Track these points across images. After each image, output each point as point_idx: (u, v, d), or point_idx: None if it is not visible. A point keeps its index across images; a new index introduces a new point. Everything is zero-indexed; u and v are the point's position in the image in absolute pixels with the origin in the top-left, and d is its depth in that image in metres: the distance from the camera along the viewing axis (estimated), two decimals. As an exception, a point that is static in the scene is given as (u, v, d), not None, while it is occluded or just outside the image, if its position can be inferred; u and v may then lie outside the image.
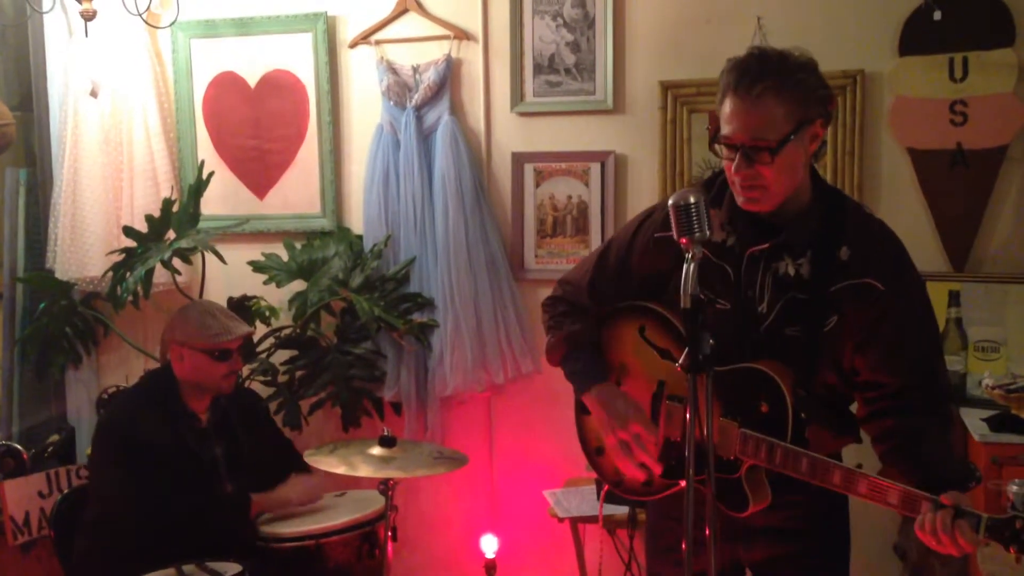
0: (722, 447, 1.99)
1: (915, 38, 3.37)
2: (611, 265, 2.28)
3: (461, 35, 3.81)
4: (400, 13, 3.85)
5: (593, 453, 2.35)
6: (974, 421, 2.99)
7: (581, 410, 2.36)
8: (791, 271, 2.01)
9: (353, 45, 3.93)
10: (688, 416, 1.80)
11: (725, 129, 1.96)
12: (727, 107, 1.95)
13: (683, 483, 2.01)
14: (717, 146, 2.00)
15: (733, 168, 1.96)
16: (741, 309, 2.05)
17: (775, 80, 1.90)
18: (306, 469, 3.23)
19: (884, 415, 1.99)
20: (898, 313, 1.96)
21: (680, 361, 1.83)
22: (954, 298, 3.32)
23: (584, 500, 3.46)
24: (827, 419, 2.03)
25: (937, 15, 3.32)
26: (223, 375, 3.10)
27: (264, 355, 3.81)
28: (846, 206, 2.08)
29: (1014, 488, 2.60)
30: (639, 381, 2.23)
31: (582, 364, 2.29)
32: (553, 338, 2.35)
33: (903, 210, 3.42)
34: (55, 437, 3.99)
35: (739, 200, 2.01)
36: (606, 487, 2.84)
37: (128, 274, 3.53)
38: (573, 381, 2.32)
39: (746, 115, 1.92)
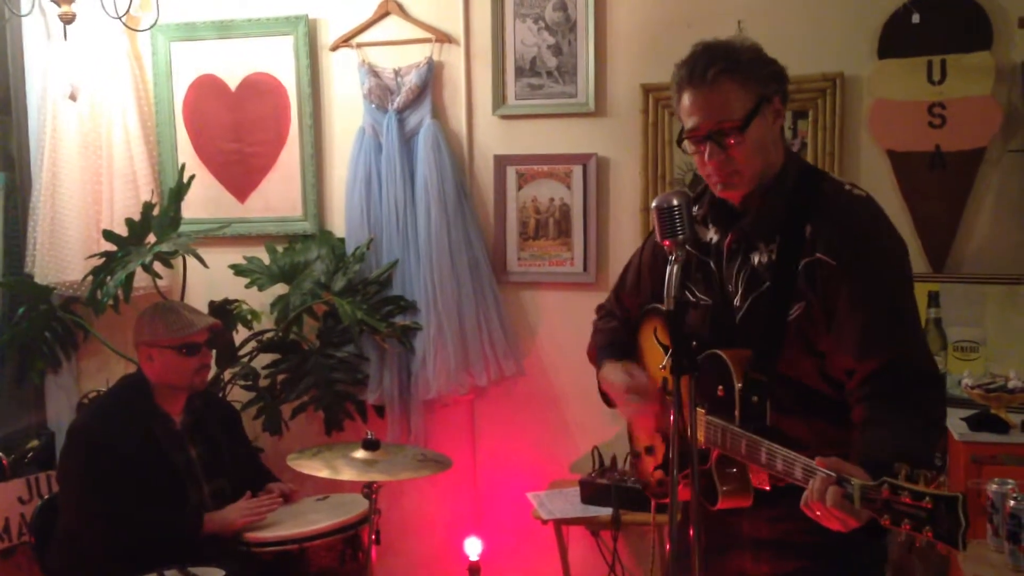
0: (695, 436, 1.95)
1: (894, 41, 3.40)
2: (631, 275, 2.34)
3: (443, 38, 3.81)
4: (381, 16, 3.85)
5: (634, 456, 2.34)
6: (954, 420, 3.01)
7: (609, 406, 2.35)
8: (764, 258, 1.97)
9: (334, 48, 3.93)
10: (673, 417, 1.80)
11: (688, 123, 1.95)
12: (685, 101, 1.95)
13: (680, 478, 1.94)
14: (685, 144, 1.98)
15: (706, 157, 1.95)
16: (721, 304, 2.04)
17: (725, 63, 1.91)
18: (275, 479, 3.32)
19: (858, 402, 1.86)
20: (854, 291, 1.86)
21: (663, 364, 1.85)
22: (933, 299, 3.35)
23: (567, 502, 3.46)
24: (813, 412, 1.95)
25: (916, 18, 3.35)
26: (194, 370, 3.10)
27: (246, 359, 3.79)
28: (822, 184, 2.00)
29: (993, 487, 2.62)
30: (657, 378, 2.22)
31: (600, 357, 2.31)
32: (591, 339, 2.40)
33: (883, 212, 3.44)
34: (35, 443, 3.96)
35: (716, 190, 2.00)
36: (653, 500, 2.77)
37: (108, 278, 3.51)
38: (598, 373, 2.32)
39: (706, 101, 1.92)
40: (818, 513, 1.64)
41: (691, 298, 2.05)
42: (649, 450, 2.23)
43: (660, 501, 2.22)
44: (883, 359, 1.83)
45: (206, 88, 4.05)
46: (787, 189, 1.99)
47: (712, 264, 2.06)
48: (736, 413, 1.89)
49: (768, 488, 1.92)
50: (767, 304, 1.94)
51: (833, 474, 1.62)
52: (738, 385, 1.89)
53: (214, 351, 3.34)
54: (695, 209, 2.03)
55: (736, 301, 2.01)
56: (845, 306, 1.87)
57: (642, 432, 2.26)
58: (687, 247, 1.88)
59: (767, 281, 1.95)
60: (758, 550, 2.05)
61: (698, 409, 1.95)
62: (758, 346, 1.93)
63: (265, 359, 3.82)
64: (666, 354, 2.05)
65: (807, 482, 1.68)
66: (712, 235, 2.07)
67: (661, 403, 2.11)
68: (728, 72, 1.90)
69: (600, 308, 2.44)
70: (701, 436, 1.95)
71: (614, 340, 2.31)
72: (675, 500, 1.81)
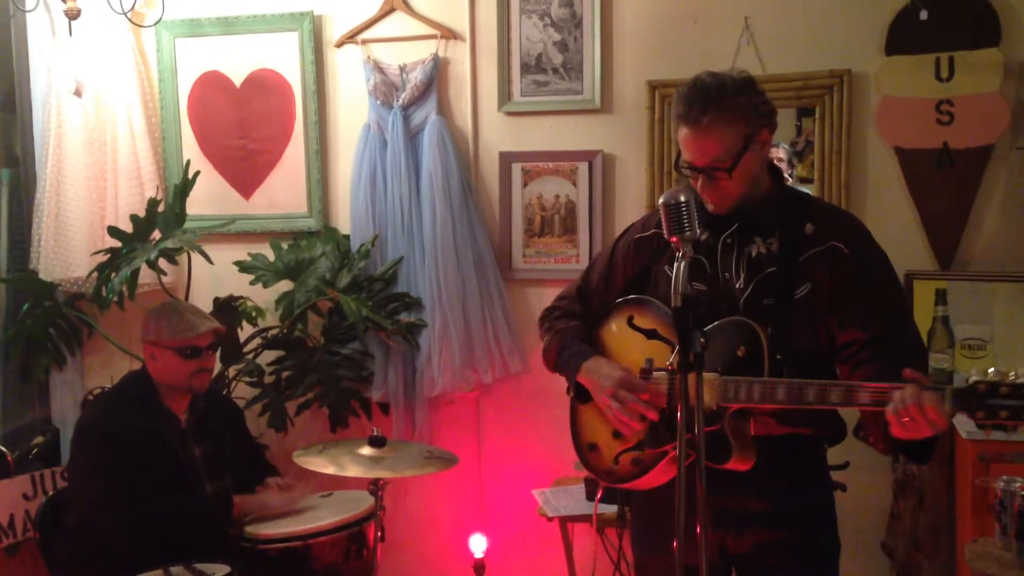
0: (707, 399, 2.05)
1: (902, 38, 3.39)
2: (597, 272, 2.44)
3: (448, 34, 3.80)
4: (387, 12, 3.84)
5: (586, 450, 2.37)
6: (961, 418, 2.99)
7: (575, 403, 2.40)
8: (763, 250, 2.17)
9: (339, 44, 3.92)
10: (680, 412, 1.84)
11: (685, 154, 2.16)
12: (682, 135, 2.15)
13: (670, 450, 2.13)
14: (682, 168, 2.18)
15: (699, 187, 2.17)
16: (719, 289, 2.19)
17: (716, 110, 2.09)
18: (277, 474, 3.30)
19: (860, 365, 2.10)
20: (862, 271, 2.13)
21: (670, 360, 1.97)
22: (941, 296, 3.34)
23: (573, 499, 3.45)
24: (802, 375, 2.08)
25: (923, 15, 3.34)
26: (192, 373, 3.08)
27: (251, 356, 3.79)
28: (803, 194, 2.37)
29: (1001, 484, 2.62)
30: (631, 366, 2.27)
31: (571, 352, 2.36)
32: (547, 339, 2.46)
33: (890, 209, 3.44)
34: (40, 439, 3.95)
35: (709, 208, 2.20)
36: (601, 490, 2.87)
37: (113, 275, 3.50)
38: (566, 371, 2.37)
39: (699, 144, 2.12)
40: (906, 420, 1.86)
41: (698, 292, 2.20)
42: (617, 435, 2.28)
43: (627, 486, 2.31)
44: (886, 327, 2.11)
45: (211, 84, 4.05)
46: (781, 196, 2.24)
47: (705, 259, 2.21)
48: (765, 366, 2.06)
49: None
50: (774, 285, 2.15)
51: (918, 384, 1.87)
52: (766, 343, 2.06)
53: (218, 352, 3.33)
54: None
55: (739, 285, 2.18)
56: (855, 284, 2.12)
57: (605, 422, 2.29)
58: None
59: (771, 267, 2.16)
60: (741, 525, 2.19)
61: (708, 373, 2.05)
62: (769, 319, 2.12)
63: (270, 356, 3.81)
64: (648, 336, 2.25)
65: (874, 404, 1.93)
66: (703, 234, 2.18)
67: (648, 386, 2.20)
68: (719, 119, 2.09)
69: (552, 309, 2.50)
70: (713, 399, 2.07)
71: (583, 337, 2.39)
72: (682, 470, 1.84)
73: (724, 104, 2.09)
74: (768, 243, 2.17)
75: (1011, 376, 2.94)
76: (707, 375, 2.04)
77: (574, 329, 2.40)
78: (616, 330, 2.33)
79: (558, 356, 2.40)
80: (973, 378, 1.86)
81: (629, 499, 3.21)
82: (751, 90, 2.15)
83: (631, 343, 2.28)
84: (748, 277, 2.16)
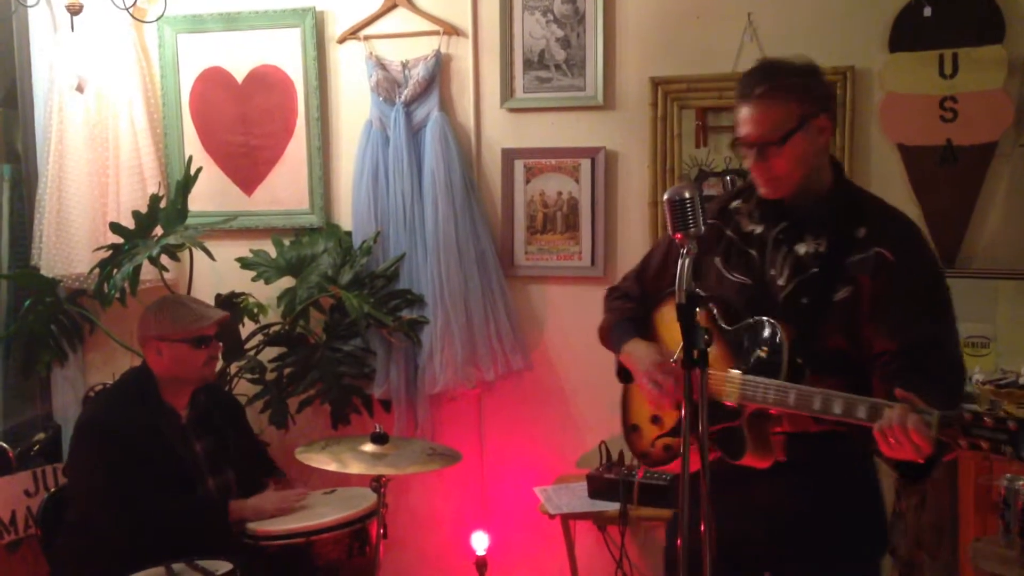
0: (729, 395, 2.14)
1: (905, 34, 3.38)
2: (655, 260, 2.49)
3: (450, 30, 3.79)
4: (389, 8, 3.83)
5: (629, 430, 2.46)
6: (964, 417, 2.99)
7: (624, 381, 2.48)
8: (811, 249, 2.17)
9: (342, 40, 3.91)
10: (684, 411, 1.87)
11: (740, 132, 2.20)
12: (739, 113, 2.20)
13: (694, 440, 2.11)
14: (738, 147, 2.24)
15: (751, 167, 2.20)
16: (762, 284, 2.21)
17: (769, 84, 2.14)
18: (279, 473, 3.33)
19: (891, 379, 2.03)
20: (903, 281, 2.09)
21: (675, 357, 1.95)
22: (944, 294, 3.33)
23: (575, 497, 3.45)
24: (836, 382, 2.07)
25: (927, 11, 3.33)
26: (204, 362, 3.10)
27: (252, 352, 3.78)
28: (864, 195, 2.30)
29: (1005, 483, 2.61)
30: (672, 354, 2.30)
31: (620, 331, 2.44)
32: (603, 318, 2.53)
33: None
34: (41, 435, 3.95)
35: (761, 191, 2.23)
36: (640, 473, 3.09)
37: (115, 271, 3.50)
38: (614, 347, 2.44)
39: (751, 118, 2.16)
40: (891, 440, 1.85)
41: (731, 278, 2.25)
42: (655, 419, 2.36)
43: (659, 470, 2.44)
44: (917, 341, 2.05)
45: (213, 80, 4.04)
46: (839, 195, 2.22)
47: (755, 252, 2.24)
48: (784, 370, 2.07)
49: (784, 459, 2.15)
50: (814, 286, 2.14)
51: (908, 404, 1.85)
52: (787, 347, 2.08)
53: (221, 343, 3.33)
54: (739, 203, 2.31)
55: (780, 282, 2.19)
56: (893, 293, 2.09)
57: (646, 404, 2.37)
58: (728, 233, 2.24)
59: (814, 268, 2.15)
60: (767, 522, 2.19)
61: (732, 370, 2.14)
62: (802, 319, 2.13)
63: (271, 352, 3.81)
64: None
65: (872, 420, 1.90)
66: (756, 229, 2.25)
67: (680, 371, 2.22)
68: (771, 94, 2.13)
69: (614, 290, 2.57)
70: (735, 397, 2.13)
71: (632, 318, 2.45)
72: (686, 465, 1.87)
73: (778, 79, 2.14)
74: (817, 243, 2.17)
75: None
76: (732, 372, 2.14)
77: (626, 310, 2.47)
78: (665, 318, 2.38)
79: (609, 335, 2.47)
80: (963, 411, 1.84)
81: (630, 497, 3.28)
82: (810, 73, 2.18)
83: (676, 331, 2.29)
84: (791, 275, 2.18)
